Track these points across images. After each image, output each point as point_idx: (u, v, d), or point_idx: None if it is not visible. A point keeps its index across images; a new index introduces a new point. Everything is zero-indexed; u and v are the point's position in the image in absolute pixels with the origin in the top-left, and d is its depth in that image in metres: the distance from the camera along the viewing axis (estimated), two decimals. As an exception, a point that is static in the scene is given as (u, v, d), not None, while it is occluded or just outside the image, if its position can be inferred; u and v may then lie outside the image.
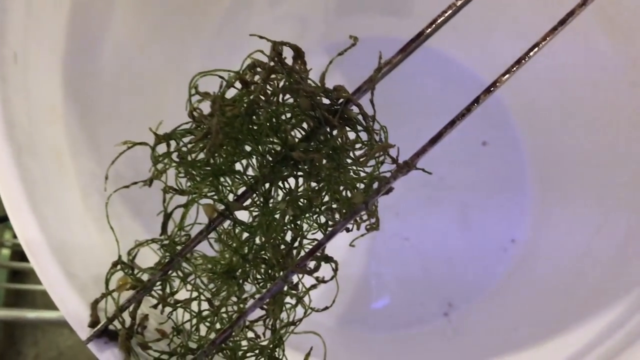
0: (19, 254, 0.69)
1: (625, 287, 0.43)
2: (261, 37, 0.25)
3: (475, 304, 0.61)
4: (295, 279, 0.29)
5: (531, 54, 0.25)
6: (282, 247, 0.27)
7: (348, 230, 0.32)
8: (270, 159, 0.25)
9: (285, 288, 0.28)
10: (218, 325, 0.28)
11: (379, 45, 0.27)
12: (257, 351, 0.28)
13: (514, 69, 0.25)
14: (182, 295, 0.29)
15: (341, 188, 0.27)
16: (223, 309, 0.27)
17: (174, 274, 0.29)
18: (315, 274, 0.32)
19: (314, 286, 0.32)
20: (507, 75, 0.25)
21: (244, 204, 0.25)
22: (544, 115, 0.62)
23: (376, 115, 0.25)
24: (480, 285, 0.62)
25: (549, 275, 0.56)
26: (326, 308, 0.33)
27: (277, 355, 0.28)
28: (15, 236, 0.68)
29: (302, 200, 0.27)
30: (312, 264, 0.27)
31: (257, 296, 0.25)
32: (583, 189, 0.57)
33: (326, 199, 0.28)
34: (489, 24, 0.60)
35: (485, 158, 0.65)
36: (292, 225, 0.27)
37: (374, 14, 0.63)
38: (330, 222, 0.27)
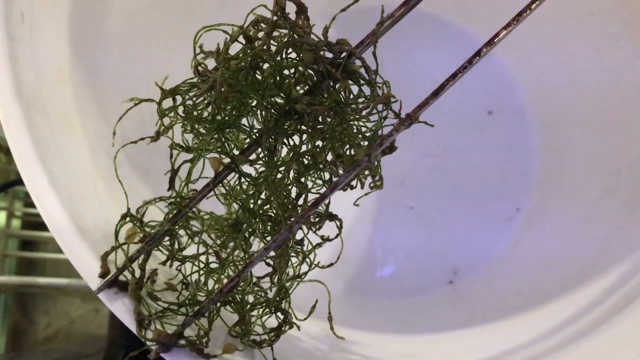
0: (29, 224, 0.70)
1: (627, 250, 0.44)
2: (264, -8, 0.25)
3: (480, 272, 0.61)
4: (300, 234, 0.29)
5: (533, 6, 0.25)
6: (287, 202, 0.27)
7: (352, 187, 0.32)
8: (274, 112, 0.25)
9: (291, 241, 0.28)
10: (225, 281, 0.28)
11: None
12: (263, 304, 0.29)
13: (515, 22, 0.25)
14: (190, 252, 0.30)
15: (346, 147, 0.28)
16: (230, 263, 0.28)
17: (182, 231, 0.30)
18: (321, 233, 0.32)
19: (319, 244, 0.32)
20: (509, 27, 0.25)
21: (250, 158, 0.26)
22: (550, 83, 0.62)
23: (379, 69, 0.25)
24: (485, 254, 0.62)
25: (553, 242, 0.57)
26: (331, 264, 0.33)
27: (283, 308, 0.29)
28: (25, 205, 0.69)
29: (306, 156, 0.27)
30: (316, 218, 0.28)
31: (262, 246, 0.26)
32: (589, 156, 0.57)
33: (330, 156, 0.28)
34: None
35: (491, 127, 0.65)
36: (297, 182, 0.28)
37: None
38: (334, 178, 0.28)
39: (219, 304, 0.27)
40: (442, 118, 0.65)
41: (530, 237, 0.60)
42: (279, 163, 0.26)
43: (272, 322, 0.30)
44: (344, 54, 0.25)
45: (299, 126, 0.26)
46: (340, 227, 0.31)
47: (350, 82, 0.25)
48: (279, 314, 0.29)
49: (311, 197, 0.28)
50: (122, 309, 0.26)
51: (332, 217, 0.31)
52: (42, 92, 0.30)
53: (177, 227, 0.28)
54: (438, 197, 0.65)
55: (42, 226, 0.68)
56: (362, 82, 0.26)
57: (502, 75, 0.65)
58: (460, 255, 0.63)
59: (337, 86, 0.25)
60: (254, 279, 0.30)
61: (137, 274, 0.27)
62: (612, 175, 0.53)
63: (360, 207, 0.66)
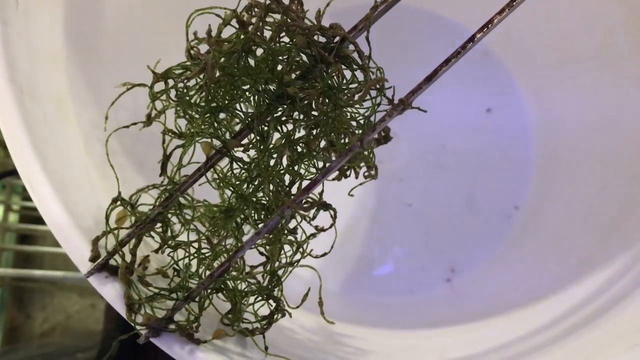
0: (27, 218, 0.70)
1: (621, 247, 0.44)
2: (257, -24, 0.25)
3: (478, 270, 0.61)
4: (293, 222, 0.29)
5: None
6: (280, 188, 0.27)
7: (346, 176, 0.32)
8: (267, 96, 0.25)
9: (283, 228, 0.28)
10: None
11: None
12: (256, 291, 0.29)
13: (508, 8, 0.25)
14: (183, 239, 0.30)
15: (339, 135, 0.28)
16: (221, 249, 0.28)
17: (174, 217, 0.30)
18: (315, 224, 0.32)
19: (313, 234, 0.32)
20: (503, 13, 0.25)
21: (242, 142, 0.26)
22: (548, 81, 0.62)
23: (372, 54, 0.25)
24: (483, 251, 0.62)
25: (551, 240, 0.57)
26: (325, 254, 0.33)
27: (275, 295, 0.29)
28: (23, 199, 0.69)
29: (299, 144, 0.27)
30: (309, 205, 0.28)
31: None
32: (586, 154, 0.57)
33: (323, 143, 0.28)
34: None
35: (490, 125, 0.65)
36: (290, 169, 0.28)
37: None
38: (327, 165, 0.28)
39: (209, 290, 0.26)
40: (441, 115, 0.65)
41: (528, 234, 0.60)
42: (271, 148, 0.26)
43: (264, 311, 0.30)
44: (337, 39, 0.25)
45: (291, 112, 0.26)
46: (334, 217, 0.31)
47: (343, 66, 0.25)
48: (271, 301, 0.29)
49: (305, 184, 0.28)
50: (112, 293, 0.26)
51: (326, 206, 0.30)
52: (36, 78, 0.30)
53: (169, 213, 0.28)
54: (436, 195, 0.65)
55: (39, 220, 0.68)
56: (355, 67, 0.25)
57: (500, 72, 0.65)
58: (458, 253, 0.63)
59: (329, 70, 0.25)
60: (247, 268, 0.30)
61: (129, 259, 0.27)
62: (609, 173, 0.53)
63: (358, 204, 0.67)
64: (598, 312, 0.39)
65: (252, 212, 0.27)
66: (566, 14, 0.56)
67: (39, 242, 0.72)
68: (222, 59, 0.24)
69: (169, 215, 0.29)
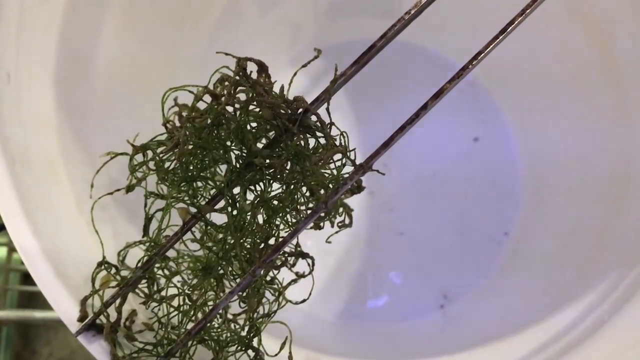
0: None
1: (606, 268, 0.46)
2: (227, 54, 0.28)
3: (470, 296, 0.63)
4: (270, 274, 0.31)
5: (473, 63, 0.27)
6: (253, 247, 0.29)
7: (320, 227, 0.34)
8: (237, 165, 0.27)
9: (262, 281, 0.30)
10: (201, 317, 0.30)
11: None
12: (236, 341, 0.30)
13: (459, 76, 0.27)
14: (170, 292, 0.32)
15: (312, 189, 0.30)
16: (201, 305, 0.30)
17: (159, 272, 0.32)
18: (296, 270, 0.34)
19: (294, 281, 0.34)
20: (454, 82, 0.27)
21: (216, 207, 0.28)
22: (532, 111, 0.63)
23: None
24: (475, 278, 0.63)
25: (540, 265, 0.58)
26: (304, 301, 0.35)
27: (254, 345, 0.30)
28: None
29: (273, 202, 0.29)
30: (282, 262, 0.30)
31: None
32: (566, 183, 0.59)
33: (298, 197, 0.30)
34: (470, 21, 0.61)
35: (477, 153, 0.67)
36: (266, 225, 0.29)
37: (364, 16, 0.65)
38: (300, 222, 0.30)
39: (190, 344, 0.28)
40: (429, 145, 0.67)
41: (518, 260, 0.62)
42: (242, 211, 0.28)
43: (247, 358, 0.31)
44: (300, 110, 0.27)
45: (261, 177, 0.28)
46: (312, 265, 0.33)
47: (308, 135, 0.27)
48: (250, 351, 0.31)
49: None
50: (99, 350, 0.28)
51: (304, 255, 0.32)
52: (27, 145, 0.32)
53: (156, 268, 0.30)
54: (427, 223, 0.67)
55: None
56: (320, 134, 0.28)
57: (487, 102, 0.67)
58: (450, 279, 0.64)
59: (294, 139, 0.27)
60: (230, 316, 0.32)
61: (115, 316, 0.29)
62: (586, 203, 0.55)
63: (351, 233, 0.68)
64: (582, 337, 0.40)
65: (230, 268, 0.29)
66: (542, 48, 0.58)
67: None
68: (195, 134, 0.26)
69: (155, 269, 0.31)
